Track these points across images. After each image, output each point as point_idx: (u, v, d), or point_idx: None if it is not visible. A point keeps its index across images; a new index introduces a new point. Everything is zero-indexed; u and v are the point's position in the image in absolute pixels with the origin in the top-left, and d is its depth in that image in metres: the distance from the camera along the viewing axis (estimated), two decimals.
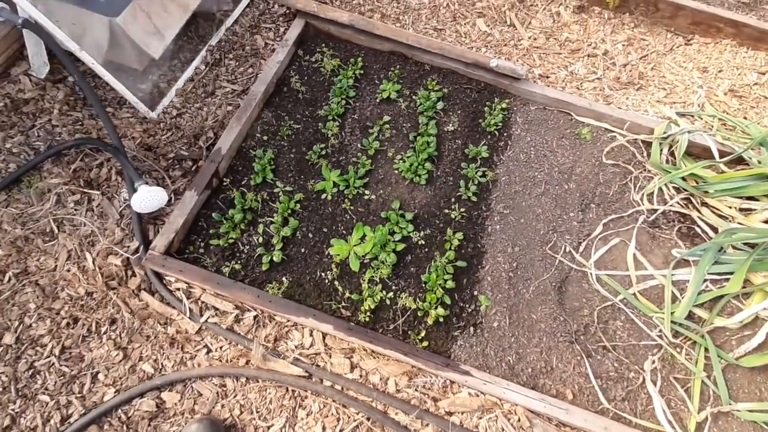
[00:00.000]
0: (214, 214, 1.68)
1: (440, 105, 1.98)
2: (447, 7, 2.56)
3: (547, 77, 2.32)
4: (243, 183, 1.78)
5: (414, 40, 2.05)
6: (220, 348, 1.53)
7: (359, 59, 2.09)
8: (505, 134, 1.97)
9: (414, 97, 2.01)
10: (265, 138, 1.88)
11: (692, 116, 2.20)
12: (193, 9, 2.17)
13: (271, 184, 1.78)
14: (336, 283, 1.60)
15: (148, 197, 1.58)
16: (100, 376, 1.49)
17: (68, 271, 1.64)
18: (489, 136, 1.95)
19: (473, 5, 2.58)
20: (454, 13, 2.53)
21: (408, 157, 1.83)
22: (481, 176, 1.83)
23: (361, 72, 2.06)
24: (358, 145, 1.88)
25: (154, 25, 2.02)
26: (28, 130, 1.90)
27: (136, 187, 1.59)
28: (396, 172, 1.82)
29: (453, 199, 1.79)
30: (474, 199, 1.79)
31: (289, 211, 1.71)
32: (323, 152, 1.85)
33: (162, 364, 1.51)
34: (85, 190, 1.79)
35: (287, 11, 2.43)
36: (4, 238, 1.68)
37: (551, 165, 1.91)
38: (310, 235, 1.69)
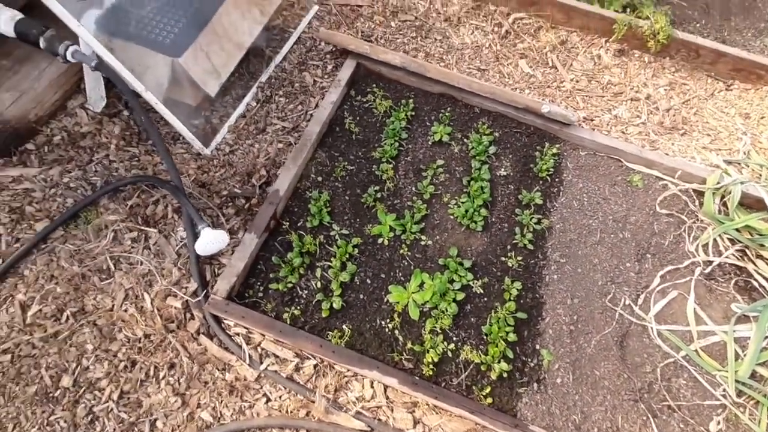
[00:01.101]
0: (273, 258, 1.67)
1: (492, 149, 1.99)
2: (489, 47, 2.60)
3: (592, 120, 2.34)
4: (299, 225, 1.79)
5: (465, 84, 2.08)
6: (280, 397, 1.51)
7: (410, 101, 2.11)
8: (557, 180, 1.97)
9: (465, 140, 2.02)
10: (320, 179, 1.89)
11: (739, 164, 2.21)
12: (247, 47, 2.21)
13: (327, 227, 1.78)
14: (396, 332, 1.58)
15: (210, 241, 1.58)
16: (159, 424, 1.47)
17: (125, 311, 1.63)
18: (541, 182, 1.96)
19: (514, 46, 2.62)
20: (496, 54, 2.56)
21: (463, 203, 1.84)
22: (536, 223, 1.83)
23: (413, 113, 2.08)
24: (413, 189, 1.88)
25: (212, 64, 2.06)
26: (85, 165, 1.92)
27: (198, 230, 1.60)
28: (451, 217, 1.82)
29: (509, 247, 1.78)
30: (530, 247, 1.78)
31: (347, 256, 1.70)
32: (378, 195, 1.85)
33: (220, 412, 1.49)
34: (142, 228, 1.80)
35: (333, 49, 2.48)
36: (62, 275, 1.68)
37: (605, 213, 1.91)
38: (368, 281, 1.68)
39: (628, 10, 2.62)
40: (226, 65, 2.12)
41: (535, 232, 1.82)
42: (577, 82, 2.51)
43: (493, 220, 1.84)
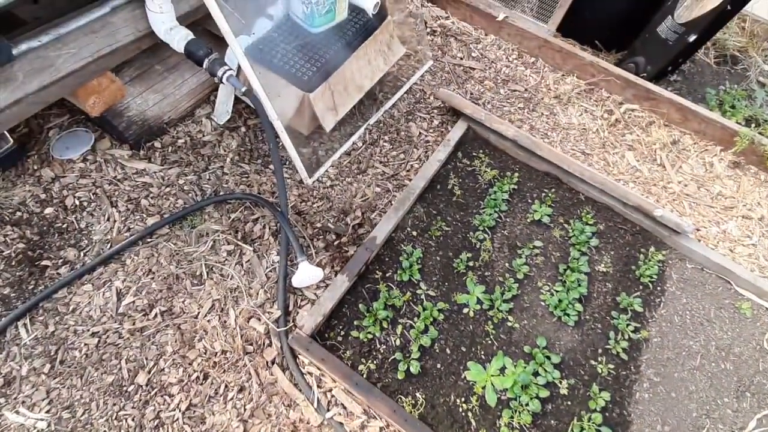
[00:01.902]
0: (359, 305, 1.67)
1: (594, 242, 1.92)
2: (597, 132, 2.57)
3: (698, 230, 2.22)
4: (388, 275, 1.78)
5: (577, 170, 2.05)
6: None
7: (515, 174, 2.10)
8: (659, 289, 1.86)
9: (566, 225, 1.97)
10: (415, 233, 1.90)
11: None
12: (366, 90, 2.32)
13: (415, 284, 1.76)
14: (470, 415, 1.50)
15: (306, 274, 1.61)
16: None
17: (209, 322, 1.67)
18: (642, 287, 1.85)
19: (623, 136, 2.58)
20: (603, 141, 2.53)
21: (557, 291, 1.76)
22: (632, 331, 1.72)
23: (515, 187, 2.07)
24: (506, 265, 1.84)
25: (334, 102, 2.16)
26: (201, 172, 2.04)
27: (297, 261, 1.63)
28: (543, 303, 1.75)
29: (600, 351, 1.68)
30: (623, 356, 1.66)
31: (431, 319, 1.67)
32: (470, 263, 1.82)
33: None
34: (239, 243, 1.86)
35: (441, 105, 2.54)
36: (159, 271, 1.76)
37: (708, 337, 1.77)
38: (448, 351, 1.63)
39: (753, 124, 2.53)
40: (345, 105, 2.22)
41: (630, 341, 1.71)
42: (686, 186, 2.41)
43: (587, 317, 1.75)
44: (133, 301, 1.69)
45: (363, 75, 2.31)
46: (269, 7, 2.09)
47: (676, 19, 2.46)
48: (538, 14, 2.85)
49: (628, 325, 1.73)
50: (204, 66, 1.66)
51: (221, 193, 1.97)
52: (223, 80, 1.66)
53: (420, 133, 2.41)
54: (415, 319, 1.66)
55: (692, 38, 2.44)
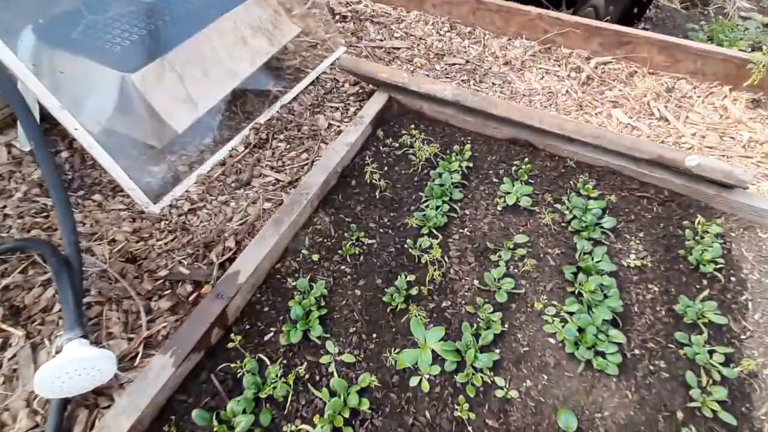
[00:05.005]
0: (195, 414, 0.83)
1: (607, 222, 1.18)
2: (567, 94, 1.93)
3: (745, 188, 1.52)
4: (265, 339, 0.97)
5: (555, 124, 1.35)
6: None
7: (466, 147, 1.39)
8: (733, 279, 1.10)
9: (558, 206, 1.24)
10: (316, 258, 1.12)
11: None
12: (243, 77, 1.64)
13: (317, 346, 0.95)
14: None
15: (72, 368, 0.78)
16: None
17: None
18: (707, 281, 1.09)
19: (601, 94, 1.95)
20: (578, 102, 1.89)
21: (570, 314, 0.98)
22: (723, 363, 0.93)
23: (470, 165, 1.35)
24: (474, 283, 1.06)
25: (187, 91, 1.46)
26: None
27: (60, 343, 0.81)
28: (550, 340, 0.96)
29: (681, 415, 0.87)
30: (724, 417, 0.85)
31: (348, 412, 0.84)
32: (412, 290, 1.04)
33: None
34: (4, 327, 1.04)
35: (360, 90, 1.89)
36: None
37: None
38: None
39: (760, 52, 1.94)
40: (208, 95, 1.52)
41: (725, 383, 0.91)
42: (703, 137, 1.76)
43: (636, 351, 0.95)
44: None
45: (235, 57, 1.65)
46: None
47: None
48: None
49: (711, 353, 0.94)
50: None
51: None
52: None
53: (330, 124, 1.72)
54: (316, 418, 0.83)
55: None
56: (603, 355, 0.92)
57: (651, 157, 1.27)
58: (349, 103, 1.84)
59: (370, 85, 1.82)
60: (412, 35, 2.29)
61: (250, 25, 1.72)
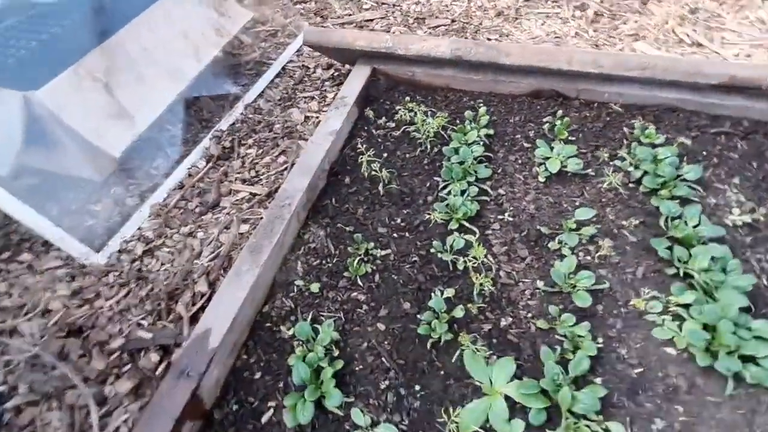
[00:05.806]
0: None
1: (690, 172, 0.89)
2: (578, 36, 1.65)
3: None
4: (263, 424, 0.67)
5: (588, 62, 1.05)
6: None
7: (480, 111, 1.09)
8: None
9: (617, 162, 0.94)
10: (315, 289, 0.81)
11: None
12: (190, 77, 1.33)
13: (339, 420, 0.65)
14: None
15: None
16: None
17: None
18: None
19: (616, 29, 1.67)
20: (594, 41, 1.60)
21: (685, 306, 0.69)
22: None
23: (489, 131, 1.05)
24: (538, 284, 0.76)
25: (119, 103, 1.15)
26: None
27: None
28: (668, 350, 0.66)
29: None
30: None
31: None
32: (458, 312, 0.74)
33: None
34: None
35: (336, 73, 1.60)
36: None
37: None
38: None
39: None
40: (149, 105, 1.21)
41: None
42: (748, 56, 1.48)
43: None
44: None
45: (175, 53, 1.34)
46: None
47: None
48: None
49: None
50: None
51: None
52: None
53: (307, 117, 1.42)
54: None
55: None
56: (754, 360, 0.63)
57: (720, 81, 0.98)
58: (325, 90, 1.54)
59: (347, 65, 1.52)
60: (384, 3, 2.00)
61: (189, 14, 1.41)
